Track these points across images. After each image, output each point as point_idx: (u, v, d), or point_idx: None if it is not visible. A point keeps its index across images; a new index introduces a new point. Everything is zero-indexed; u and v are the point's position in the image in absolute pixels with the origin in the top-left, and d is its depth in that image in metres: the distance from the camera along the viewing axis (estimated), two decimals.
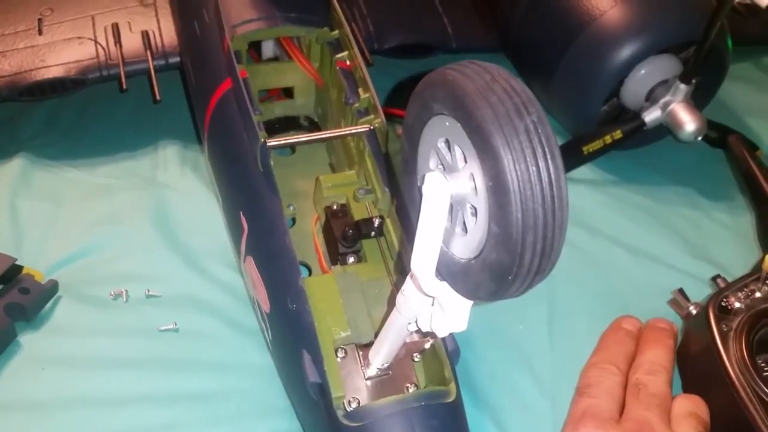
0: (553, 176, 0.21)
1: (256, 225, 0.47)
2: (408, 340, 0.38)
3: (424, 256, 0.26)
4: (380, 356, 0.40)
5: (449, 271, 0.26)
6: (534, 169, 0.21)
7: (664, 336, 0.50)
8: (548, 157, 0.21)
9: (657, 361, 0.47)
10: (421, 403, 0.39)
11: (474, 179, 0.24)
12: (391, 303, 0.35)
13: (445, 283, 0.28)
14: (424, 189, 0.25)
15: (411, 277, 0.29)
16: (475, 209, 0.24)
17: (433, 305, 0.29)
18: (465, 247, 0.25)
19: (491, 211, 0.23)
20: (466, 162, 0.24)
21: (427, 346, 0.41)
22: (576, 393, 0.47)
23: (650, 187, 0.68)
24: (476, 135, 0.23)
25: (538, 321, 0.55)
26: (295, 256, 0.43)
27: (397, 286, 0.39)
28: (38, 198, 0.62)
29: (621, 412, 0.44)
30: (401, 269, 0.42)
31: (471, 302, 0.28)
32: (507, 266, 0.23)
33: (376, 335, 0.41)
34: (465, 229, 0.25)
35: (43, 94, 0.65)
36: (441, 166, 0.26)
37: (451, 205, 0.25)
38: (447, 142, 0.26)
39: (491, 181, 0.22)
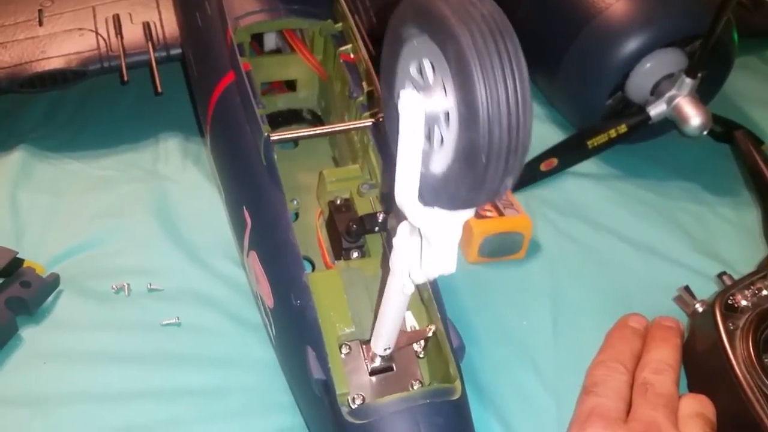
0: (518, 80, 0.23)
1: (259, 219, 0.46)
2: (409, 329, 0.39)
3: (406, 178, 0.27)
4: (382, 338, 0.39)
5: (430, 188, 0.27)
6: (501, 77, 0.23)
7: (670, 334, 0.49)
8: (514, 64, 0.24)
9: (664, 360, 0.47)
10: (426, 400, 0.38)
11: (445, 90, 0.25)
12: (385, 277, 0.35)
13: (429, 209, 0.28)
14: (400, 106, 0.26)
15: (397, 216, 0.30)
16: (448, 118, 0.25)
17: (422, 246, 0.30)
18: (443, 160, 0.26)
19: (461, 115, 0.24)
20: (440, 82, 0.26)
21: (430, 333, 0.41)
22: (582, 391, 0.47)
23: (655, 182, 0.68)
24: (450, 53, 0.24)
25: (542, 317, 0.55)
26: (298, 251, 0.43)
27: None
28: (39, 190, 0.62)
29: (628, 411, 0.44)
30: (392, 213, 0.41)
31: (458, 234, 0.29)
32: (477, 146, 0.24)
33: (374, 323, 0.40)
34: (442, 142, 0.26)
35: (43, 85, 0.64)
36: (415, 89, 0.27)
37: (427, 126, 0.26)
38: (420, 63, 0.27)
39: (461, 91, 0.24)
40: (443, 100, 0.25)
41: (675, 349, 0.48)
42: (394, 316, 0.37)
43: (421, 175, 0.27)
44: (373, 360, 0.41)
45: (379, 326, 0.39)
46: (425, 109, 0.26)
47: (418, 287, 0.44)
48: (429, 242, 0.29)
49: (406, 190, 0.28)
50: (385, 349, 0.40)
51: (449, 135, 0.25)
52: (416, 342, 0.42)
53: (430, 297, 0.43)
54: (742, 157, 0.64)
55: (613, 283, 0.58)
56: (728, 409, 0.44)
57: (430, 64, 0.26)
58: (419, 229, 0.29)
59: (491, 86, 0.23)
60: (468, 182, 0.25)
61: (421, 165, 0.27)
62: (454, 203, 0.27)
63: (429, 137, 0.27)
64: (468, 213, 0.28)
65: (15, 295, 0.50)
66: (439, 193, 0.27)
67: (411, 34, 0.27)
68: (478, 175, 0.24)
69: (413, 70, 0.27)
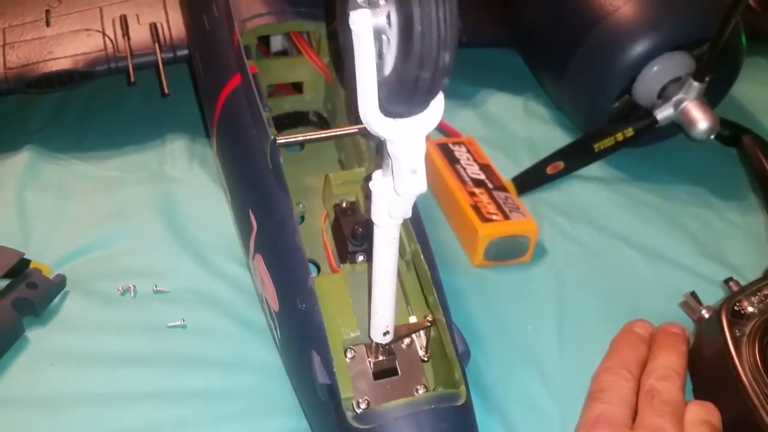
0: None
1: (266, 223, 0.46)
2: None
3: (365, 89, 0.30)
4: (379, 318, 0.39)
5: (386, 96, 0.30)
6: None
7: (676, 341, 0.49)
8: None
9: (670, 367, 0.47)
10: (431, 406, 0.38)
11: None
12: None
13: (390, 120, 0.30)
14: (352, 23, 0.29)
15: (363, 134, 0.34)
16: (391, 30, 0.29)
17: (393, 171, 0.32)
18: (389, 68, 0.30)
19: (400, 27, 0.28)
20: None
21: (428, 324, 0.42)
22: (588, 397, 0.47)
23: (662, 186, 0.68)
24: None
25: (548, 321, 0.55)
26: (304, 255, 0.43)
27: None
28: (46, 191, 0.62)
29: (634, 418, 0.44)
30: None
31: (422, 149, 0.31)
32: (413, 51, 0.27)
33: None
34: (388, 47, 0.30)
35: (50, 86, 0.65)
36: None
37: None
38: None
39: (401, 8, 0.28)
40: (386, 15, 0.29)
41: (681, 356, 0.48)
42: (387, 285, 0.38)
43: (377, 83, 0.30)
44: (376, 354, 0.41)
45: (375, 304, 0.39)
46: (373, 24, 0.29)
47: (425, 295, 0.45)
48: (397, 159, 0.31)
49: (367, 101, 0.30)
50: (385, 334, 0.40)
51: (392, 46, 0.29)
52: (416, 332, 0.42)
53: (436, 302, 0.43)
54: (750, 161, 0.64)
55: (619, 288, 0.57)
56: (734, 416, 0.44)
57: None
58: (388, 150, 0.32)
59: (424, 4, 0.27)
60: (409, 85, 0.29)
61: (375, 75, 0.30)
62: (408, 106, 0.30)
63: (379, 52, 0.30)
64: (424, 122, 0.31)
65: (22, 297, 0.51)
66: (392, 99, 0.30)
67: None
68: (414, 78, 0.28)
69: None
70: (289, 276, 0.44)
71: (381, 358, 0.42)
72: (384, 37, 0.29)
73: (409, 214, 0.34)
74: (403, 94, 0.29)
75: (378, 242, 0.37)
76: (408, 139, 0.31)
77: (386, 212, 0.34)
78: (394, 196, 0.33)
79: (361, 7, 0.29)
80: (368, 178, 0.35)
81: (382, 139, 0.32)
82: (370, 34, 0.29)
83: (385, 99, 0.30)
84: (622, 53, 0.63)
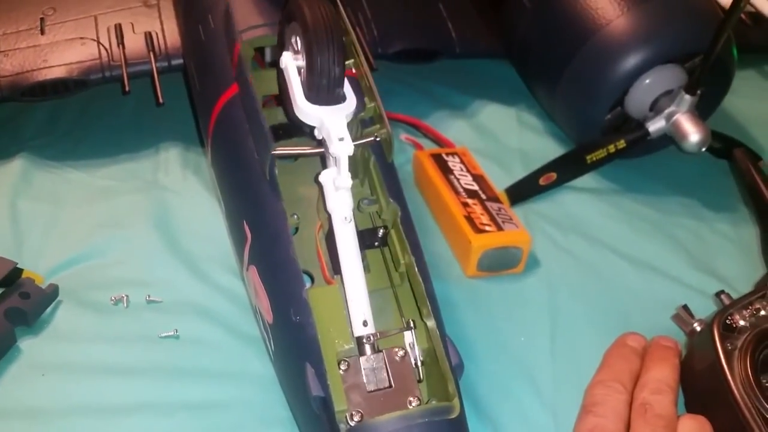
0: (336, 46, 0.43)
1: (260, 234, 0.46)
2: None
3: (297, 94, 0.45)
4: (354, 307, 0.43)
5: (308, 85, 0.45)
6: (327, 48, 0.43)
7: (669, 354, 0.49)
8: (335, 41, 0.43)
9: (663, 380, 0.47)
10: (425, 419, 0.38)
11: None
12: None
13: (315, 106, 0.45)
14: (282, 61, 0.47)
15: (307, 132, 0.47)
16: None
17: (328, 151, 0.44)
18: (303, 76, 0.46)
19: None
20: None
21: (410, 326, 0.43)
22: (582, 411, 0.47)
23: (653, 197, 0.68)
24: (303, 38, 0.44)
25: (541, 333, 0.55)
26: (299, 267, 0.43)
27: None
28: (39, 199, 0.62)
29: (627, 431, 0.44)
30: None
31: (343, 124, 0.44)
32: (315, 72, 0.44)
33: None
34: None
35: (44, 94, 0.64)
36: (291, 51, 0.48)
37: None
38: (295, 37, 0.47)
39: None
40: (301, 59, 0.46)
41: (674, 369, 0.48)
42: (354, 270, 0.44)
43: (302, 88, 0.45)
44: (361, 349, 0.42)
45: (348, 293, 0.43)
46: (296, 63, 0.46)
47: (419, 307, 0.45)
48: (328, 134, 0.44)
49: (300, 100, 0.45)
50: (364, 323, 0.42)
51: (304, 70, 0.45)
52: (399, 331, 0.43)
53: (429, 314, 0.43)
54: (741, 175, 0.64)
55: (611, 300, 0.58)
56: (726, 429, 0.44)
57: (297, 38, 0.46)
58: (323, 135, 0.45)
59: (323, 54, 0.43)
60: (316, 86, 0.44)
61: (300, 87, 0.45)
62: (318, 98, 0.45)
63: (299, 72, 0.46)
64: (341, 108, 0.45)
65: (14, 306, 0.50)
66: (314, 85, 0.44)
67: (291, 26, 0.47)
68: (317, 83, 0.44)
69: (293, 40, 0.47)
70: (283, 288, 0.44)
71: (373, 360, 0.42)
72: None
73: (350, 182, 0.44)
74: (314, 89, 0.44)
75: (336, 225, 0.45)
76: (332, 118, 0.44)
77: (332, 184, 0.44)
78: (335, 172, 0.44)
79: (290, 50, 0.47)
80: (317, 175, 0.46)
81: (314, 126, 0.45)
82: (295, 69, 0.46)
83: (311, 96, 0.45)
84: (614, 66, 0.64)
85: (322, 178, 0.46)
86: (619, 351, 0.50)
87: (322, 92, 0.44)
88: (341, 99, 0.45)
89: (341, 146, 0.43)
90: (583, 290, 0.58)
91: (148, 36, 0.66)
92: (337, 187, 0.44)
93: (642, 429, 0.44)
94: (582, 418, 0.46)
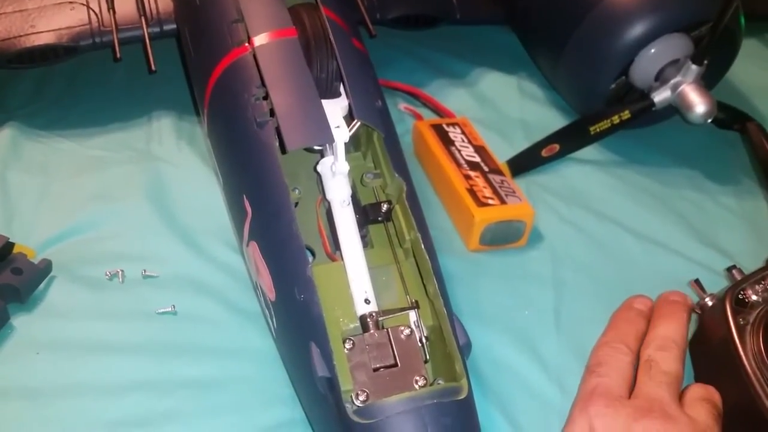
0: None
1: (261, 210, 0.45)
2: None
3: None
4: (355, 285, 0.43)
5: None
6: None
7: (676, 308, 0.49)
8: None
9: (669, 337, 0.46)
10: (434, 400, 0.37)
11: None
12: None
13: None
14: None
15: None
16: None
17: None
18: None
19: None
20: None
21: (414, 306, 0.43)
22: (586, 371, 0.47)
23: (657, 169, 0.67)
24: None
25: (544, 306, 0.54)
26: (302, 244, 0.42)
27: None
28: (29, 171, 0.61)
29: (631, 392, 0.44)
30: None
31: (339, 115, 0.46)
32: None
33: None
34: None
35: (32, 61, 0.62)
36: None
37: None
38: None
39: None
40: None
41: (681, 325, 0.48)
42: (354, 249, 0.44)
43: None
44: (365, 327, 0.41)
45: (348, 271, 0.44)
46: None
47: (425, 284, 0.44)
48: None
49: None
50: (366, 301, 0.42)
51: None
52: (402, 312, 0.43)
53: (436, 293, 0.42)
54: (754, 149, 0.63)
55: (615, 272, 0.57)
56: (736, 403, 0.44)
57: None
58: None
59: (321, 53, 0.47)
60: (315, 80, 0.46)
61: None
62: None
63: None
64: (335, 101, 0.47)
65: (6, 283, 0.49)
66: None
67: None
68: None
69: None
70: (286, 265, 0.42)
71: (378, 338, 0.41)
72: None
73: (347, 168, 0.45)
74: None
75: (335, 209, 0.46)
76: (329, 108, 0.45)
77: (330, 171, 0.46)
78: (332, 159, 0.46)
79: None
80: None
81: None
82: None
83: None
84: (620, 35, 0.62)
85: (320, 167, 0.47)
86: (626, 313, 0.50)
87: (321, 86, 0.47)
88: (338, 94, 0.48)
89: (338, 133, 0.44)
90: (586, 263, 0.57)
91: (140, 0, 0.64)
92: (335, 172, 0.46)
93: (646, 384, 0.43)
94: (586, 378, 0.46)
